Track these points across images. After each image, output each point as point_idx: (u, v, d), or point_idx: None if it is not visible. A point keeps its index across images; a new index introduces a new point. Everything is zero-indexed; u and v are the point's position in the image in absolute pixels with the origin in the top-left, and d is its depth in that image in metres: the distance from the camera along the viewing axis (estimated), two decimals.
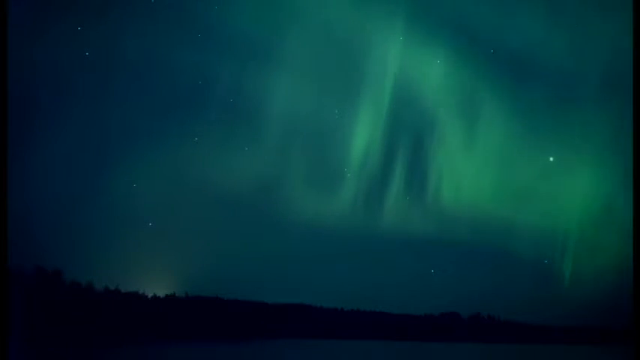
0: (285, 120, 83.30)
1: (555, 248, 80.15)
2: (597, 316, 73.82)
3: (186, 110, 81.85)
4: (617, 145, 75.15)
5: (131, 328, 54.41)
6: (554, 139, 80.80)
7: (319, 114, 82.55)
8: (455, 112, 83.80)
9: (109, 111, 74.11)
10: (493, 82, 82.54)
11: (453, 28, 79.94)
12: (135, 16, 72.92)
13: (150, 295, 65.12)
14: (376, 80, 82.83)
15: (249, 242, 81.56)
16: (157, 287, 66.32)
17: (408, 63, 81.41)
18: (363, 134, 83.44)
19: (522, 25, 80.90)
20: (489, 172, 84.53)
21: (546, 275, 77.34)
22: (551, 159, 79.92)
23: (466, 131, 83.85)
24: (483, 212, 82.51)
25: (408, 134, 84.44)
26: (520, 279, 79.20)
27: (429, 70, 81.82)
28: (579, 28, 77.80)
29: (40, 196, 64.10)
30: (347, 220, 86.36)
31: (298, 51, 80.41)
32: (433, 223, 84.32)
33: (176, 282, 68.53)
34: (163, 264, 70.44)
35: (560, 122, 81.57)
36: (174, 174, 78.58)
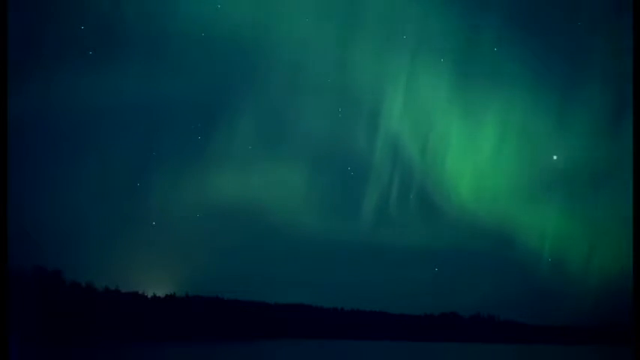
0: (289, 121, 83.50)
1: (556, 248, 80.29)
2: (597, 316, 73.91)
3: (188, 110, 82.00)
4: (617, 144, 75.23)
5: (131, 328, 54.40)
6: (557, 137, 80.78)
7: (322, 114, 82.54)
8: (457, 113, 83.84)
9: (110, 110, 74.18)
10: (495, 82, 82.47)
11: (455, 27, 79.91)
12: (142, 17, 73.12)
13: (150, 295, 65.19)
14: (379, 81, 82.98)
15: (249, 243, 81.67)
16: (157, 287, 66.38)
17: (411, 63, 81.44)
18: (366, 135, 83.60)
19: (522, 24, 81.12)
20: (490, 171, 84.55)
21: (547, 275, 77.41)
22: (555, 157, 79.92)
23: (467, 133, 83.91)
24: (485, 212, 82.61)
25: (410, 136, 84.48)
26: (520, 279, 79.33)
27: (432, 71, 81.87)
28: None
29: (40, 196, 64.17)
30: (348, 222, 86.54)
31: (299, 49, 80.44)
32: (434, 223, 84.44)
33: (176, 282, 68.59)
34: (163, 264, 70.51)
35: (564, 121, 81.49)
36: (177, 173, 78.68)
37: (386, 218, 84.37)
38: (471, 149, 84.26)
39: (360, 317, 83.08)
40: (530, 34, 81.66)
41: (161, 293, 66.63)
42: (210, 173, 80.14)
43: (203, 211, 77.71)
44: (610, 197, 78.42)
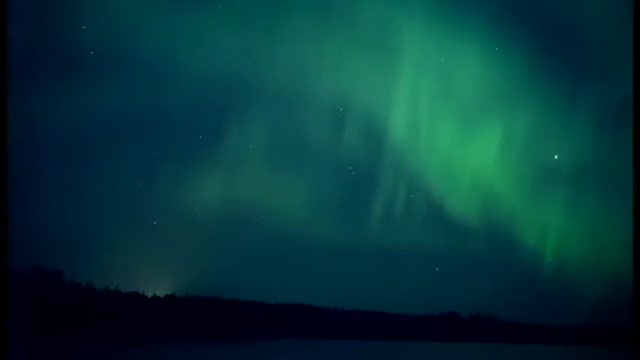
0: (290, 122, 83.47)
1: (556, 248, 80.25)
2: (597, 316, 73.82)
3: (189, 109, 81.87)
4: (619, 146, 75.14)
5: (131, 328, 54.41)
6: (559, 137, 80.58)
7: (323, 114, 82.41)
8: (459, 113, 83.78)
9: (112, 109, 74.06)
10: (496, 82, 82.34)
11: (456, 28, 79.77)
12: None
13: (150, 295, 65.21)
14: (380, 81, 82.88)
15: (249, 243, 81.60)
16: (157, 287, 66.39)
17: (412, 63, 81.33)
18: (367, 135, 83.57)
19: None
20: (491, 171, 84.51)
21: (548, 275, 77.33)
22: (556, 157, 79.85)
23: (469, 133, 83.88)
24: (486, 212, 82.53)
25: (412, 136, 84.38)
26: (521, 279, 79.27)
27: (433, 72, 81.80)
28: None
29: (40, 196, 64.12)
30: (348, 222, 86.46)
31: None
32: (435, 223, 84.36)
33: (176, 282, 68.58)
34: (163, 264, 70.47)
35: (565, 120, 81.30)
36: (178, 173, 78.58)
37: (386, 218, 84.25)
38: (473, 149, 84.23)
39: (360, 317, 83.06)
40: (532, 34, 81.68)
41: (161, 293, 66.74)
42: (211, 173, 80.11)
43: (204, 211, 77.64)
44: (611, 197, 78.31)
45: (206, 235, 75.83)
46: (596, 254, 78.13)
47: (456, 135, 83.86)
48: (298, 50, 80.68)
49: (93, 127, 74.08)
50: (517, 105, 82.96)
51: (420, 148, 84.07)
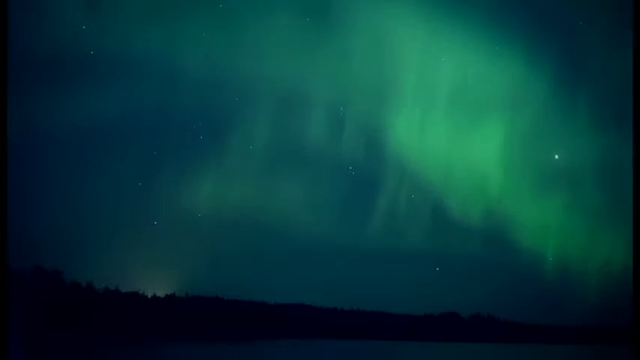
0: (290, 121, 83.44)
1: (556, 248, 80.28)
2: (597, 316, 73.88)
3: (189, 109, 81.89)
4: (619, 146, 75.16)
5: (131, 328, 54.42)
6: (559, 137, 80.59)
7: (323, 113, 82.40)
8: (458, 113, 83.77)
9: (112, 108, 74.04)
10: (497, 81, 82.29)
11: (456, 27, 79.74)
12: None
13: (150, 295, 65.23)
14: (381, 80, 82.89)
15: (249, 243, 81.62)
16: (157, 287, 66.40)
17: (413, 63, 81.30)
18: (367, 135, 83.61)
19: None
20: (492, 172, 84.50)
21: (548, 275, 77.33)
22: (556, 157, 79.88)
23: (469, 133, 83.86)
24: (486, 212, 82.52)
25: (411, 136, 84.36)
26: (521, 279, 79.27)
27: (434, 71, 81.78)
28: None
29: (40, 196, 64.13)
30: (348, 222, 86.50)
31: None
32: (436, 223, 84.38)
33: (176, 282, 68.60)
34: (163, 264, 70.48)
35: (566, 120, 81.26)
36: (179, 173, 78.58)
37: (387, 218, 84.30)
38: (473, 149, 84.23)
39: (360, 317, 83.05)
40: (532, 33, 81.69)
41: (161, 293, 66.76)
42: (211, 173, 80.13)
43: (204, 211, 77.67)
44: (612, 198, 78.40)
45: (206, 235, 75.86)
46: (596, 254, 78.22)
47: (456, 135, 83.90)
48: (298, 50, 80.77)
49: (93, 127, 74.01)
50: (517, 105, 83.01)
51: (420, 148, 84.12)
